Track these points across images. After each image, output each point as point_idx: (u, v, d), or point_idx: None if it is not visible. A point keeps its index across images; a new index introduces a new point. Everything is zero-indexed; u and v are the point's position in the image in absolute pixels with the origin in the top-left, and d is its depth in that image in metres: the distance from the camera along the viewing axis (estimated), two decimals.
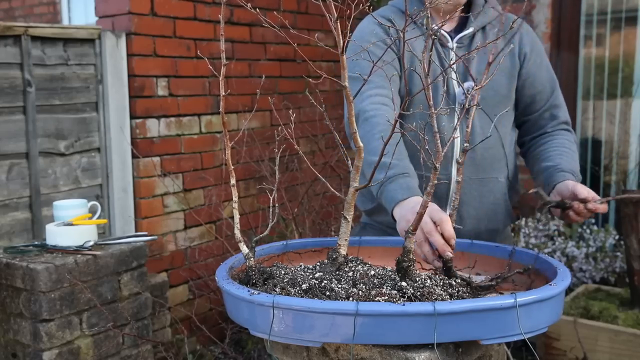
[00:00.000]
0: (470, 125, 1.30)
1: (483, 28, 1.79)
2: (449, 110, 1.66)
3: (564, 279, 1.23)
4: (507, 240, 1.94)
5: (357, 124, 1.17)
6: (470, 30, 1.77)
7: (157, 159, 3.07)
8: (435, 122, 1.20)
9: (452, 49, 1.75)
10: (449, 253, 1.28)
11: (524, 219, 3.56)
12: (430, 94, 1.19)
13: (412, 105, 1.63)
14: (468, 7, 1.79)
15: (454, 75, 1.67)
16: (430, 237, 1.32)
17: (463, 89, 1.68)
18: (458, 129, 1.69)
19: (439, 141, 1.19)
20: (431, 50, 1.19)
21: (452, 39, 1.78)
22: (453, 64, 1.24)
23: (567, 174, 1.68)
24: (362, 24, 1.82)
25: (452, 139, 1.28)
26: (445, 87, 1.69)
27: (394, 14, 1.78)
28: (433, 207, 1.36)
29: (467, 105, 1.30)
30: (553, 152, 1.77)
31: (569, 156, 1.76)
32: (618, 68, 3.68)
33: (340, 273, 1.26)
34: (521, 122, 1.88)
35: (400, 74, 1.68)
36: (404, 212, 1.42)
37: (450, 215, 1.35)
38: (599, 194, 4.19)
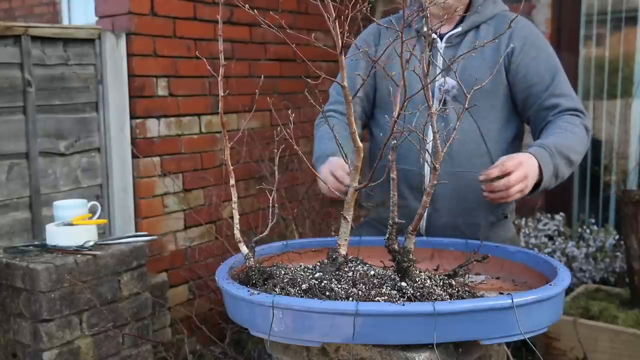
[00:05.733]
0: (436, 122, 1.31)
1: (477, 27, 1.80)
2: (421, 108, 1.65)
3: (564, 279, 1.23)
4: (503, 235, 1.87)
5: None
6: (459, 29, 1.79)
7: (157, 159, 3.07)
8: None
9: (440, 49, 1.76)
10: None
11: (524, 218, 3.56)
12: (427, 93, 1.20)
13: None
14: (469, 7, 1.80)
15: (436, 72, 1.69)
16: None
17: (444, 82, 1.70)
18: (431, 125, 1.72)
19: (438, 141, 1.20)
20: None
21: (442, 38, 1.79)
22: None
23: (532, 147, 1.62)
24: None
25: (449, 135, 1.27)
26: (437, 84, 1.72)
27: (395, 19, 1.82)
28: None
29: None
30: (541, 134, 1.72)
31: (557, 135, 1.66)
32: (618, 68, 3.68)
33: (340, 273, 1.26)
34: (527, 119, 1.83)
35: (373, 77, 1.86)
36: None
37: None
38: (598, 194, 4.18)
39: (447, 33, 1.80)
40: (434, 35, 1.78)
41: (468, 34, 1.79)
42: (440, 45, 1.78)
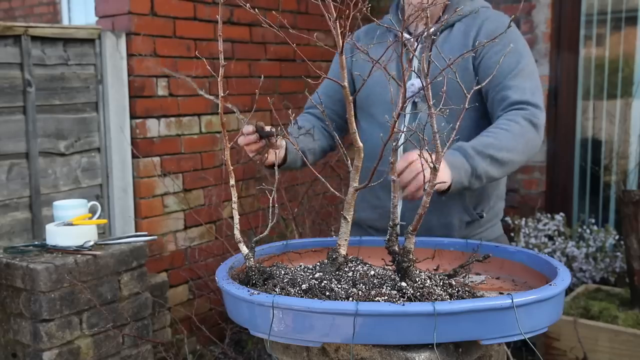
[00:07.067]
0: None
1: (452, 26, 1.79)
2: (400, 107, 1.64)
3: (564, 279, 1.23)
4: (485, 238, 1.84)
5: None
6: (431, 30, 1.78)
7: (157, 159, 3.07)
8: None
9: (414, 50, 1.75)
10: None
11: (524, 219, 3.56)
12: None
13: (372, 104, 1.85)
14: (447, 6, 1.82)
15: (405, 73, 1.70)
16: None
17: (412, 84, 1.72)
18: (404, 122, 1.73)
19: (438, 142, 1.20)
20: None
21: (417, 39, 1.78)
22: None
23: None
24: None
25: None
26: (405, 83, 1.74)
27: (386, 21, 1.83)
28: None
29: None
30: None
31: (483, 135, 1.62)
32: (618, 68, 3.68)
33: (340, 273, 1.26)
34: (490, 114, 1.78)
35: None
36: None
37: None
38: (598, 194, 4.18)
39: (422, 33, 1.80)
40: (408, 37, 1.79)
41: (442, 33, 1.79)
42: (414, 45, 1.76)
